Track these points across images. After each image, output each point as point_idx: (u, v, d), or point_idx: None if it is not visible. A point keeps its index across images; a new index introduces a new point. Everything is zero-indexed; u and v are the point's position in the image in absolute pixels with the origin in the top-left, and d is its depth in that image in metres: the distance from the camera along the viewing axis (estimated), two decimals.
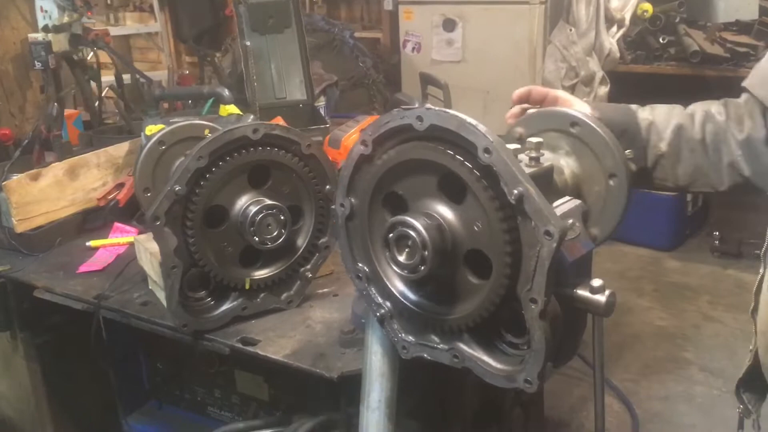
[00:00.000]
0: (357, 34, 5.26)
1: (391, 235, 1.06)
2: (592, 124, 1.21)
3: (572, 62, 4.29)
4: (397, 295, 1.16)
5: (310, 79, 2.53)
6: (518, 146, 1.10)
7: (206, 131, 1.72)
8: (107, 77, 3.28)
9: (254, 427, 1.65)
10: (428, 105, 1.05)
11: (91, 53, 2.63)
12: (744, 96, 1.31)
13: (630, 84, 4.46)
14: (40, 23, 2.29)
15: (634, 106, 1.37)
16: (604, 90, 4.32)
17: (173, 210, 1.42)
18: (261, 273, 1.56)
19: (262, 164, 1.51)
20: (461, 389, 1.70)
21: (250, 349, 1.47)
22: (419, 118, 1.05)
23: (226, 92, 2.07)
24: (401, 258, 1.07)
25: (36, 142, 2.10)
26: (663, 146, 1.32)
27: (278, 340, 1.49)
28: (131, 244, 1.93)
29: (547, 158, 1.21)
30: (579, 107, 1.31)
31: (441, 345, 1.14)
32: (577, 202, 1.18)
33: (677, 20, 4.40)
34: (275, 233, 1.49)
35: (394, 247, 1.07)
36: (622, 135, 1.27)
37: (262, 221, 1.47)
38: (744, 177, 1.30)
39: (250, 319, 1.58)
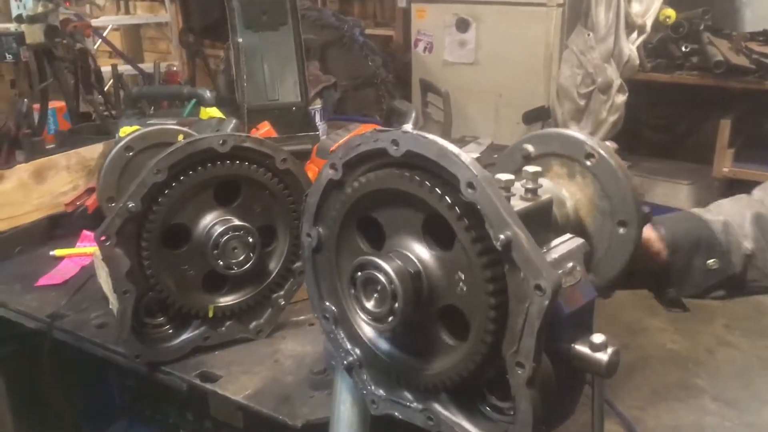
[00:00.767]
0: (369, 31, 5.11)
1: (358, 274, 0.91)
2: (611, 161, 1.04)
3: (589, 68, 4.12)
4: (367, 342, 1.01)
5: (305, 81, 2.37)
6: (511, 177, 0.93)
7: (180, 136, 1.57)
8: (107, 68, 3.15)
9: None
10: (405, 127, 0.89)
11: (78, 45, 2.48)
12: None
13: (649, 93, 4.30)
14: (14, 13, 2.15)
15: (695, 211, 1.21)
16: (621, 99, 4.15)
17: (126, 229, 1.26)
18: (227, 299, 1.41)
19: (231, 179, 1.35)
20: None
21: (208, 386, 1.31)
22: (394, 142, 0.90)
23: (208, 93, 1.91)
24: (368, 304, 0.92)
25: (5, 140, 1.96)
26: (748, 245, 1.15)
27: (241, 377, 1.34)
28: None
29: (547, 189, 1.05)
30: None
31: (414, 404, 0.99)
32: (580, 241, 1.02)
33: (701, 28, 4.21)
34: (242, 257, 1.34)
35: (360, 289, 0.92)
36: (696, 246, 1.13)
37: (227, 244, 1.31)
38: None
39: (213, 350, 1.42)
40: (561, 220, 1.10)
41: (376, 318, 0.91)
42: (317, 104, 2.55)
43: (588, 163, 1.06)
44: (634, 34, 4.21)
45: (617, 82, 4.15)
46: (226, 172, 1.33)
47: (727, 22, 4.35)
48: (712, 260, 1.09)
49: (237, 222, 1.34)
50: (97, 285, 1.67)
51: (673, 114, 4.60)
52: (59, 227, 1.94)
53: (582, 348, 0.93)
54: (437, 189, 0.85)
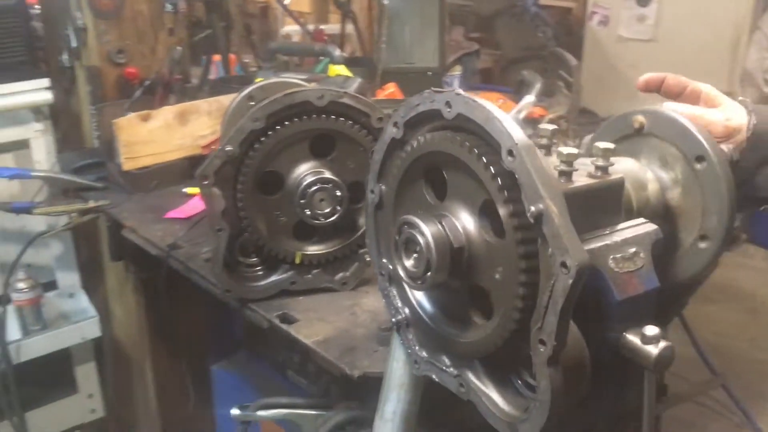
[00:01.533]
0: (548, 2, 4.92)
1: (400, 235, 0.92)
2: (719, 172, 0.96)
3: None
4: (414, 303, 1.02)
5: (444, 46, 2.36)
6: (577, 150, 0.89)
7: None
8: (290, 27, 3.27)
9: (296, 405, 1.58)
10: (459, 90, 0.87)
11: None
12: None
13: None
14: None
15: None
16: None
17: (224, 171, 1.35)
18: (314, 249, 1.47)
19: (327, 134, 1.40)
20: None
21: (284, 326, 1.38)
22: (448, 104, 0.90)
23: (337, 51, 1.96)
24: (408, 263, 0.93)
25: (159, 84, 2.14)
26: None
27: (316, 323, 1.39)
28: None
29: (621, 169, 0.98)
30: (730, 110, 1.05)
31: (450, 369, 0.98)
32: (652, 227, 0.96)
33: None
34: (328, 209, 1.38)
35: (402, 248, 0.93)
36: None
37: (315, 195, 1.36)
38: None
39: (298, 295, 1.49)
40: (638, 204, 1.03)
41: (410, 276, 0.91)
42: (456, 71, 2.53)
43: (697, 166, 0.98)
44: None
45: None
46: (322, 125, 1.38)
47: None
48: None
49: (327, 175, 1.38)
50: None
51: None
52: (196, 168, 2.09)
53: (633, 338, 0.89)
54: (483, 158, 0.83)
